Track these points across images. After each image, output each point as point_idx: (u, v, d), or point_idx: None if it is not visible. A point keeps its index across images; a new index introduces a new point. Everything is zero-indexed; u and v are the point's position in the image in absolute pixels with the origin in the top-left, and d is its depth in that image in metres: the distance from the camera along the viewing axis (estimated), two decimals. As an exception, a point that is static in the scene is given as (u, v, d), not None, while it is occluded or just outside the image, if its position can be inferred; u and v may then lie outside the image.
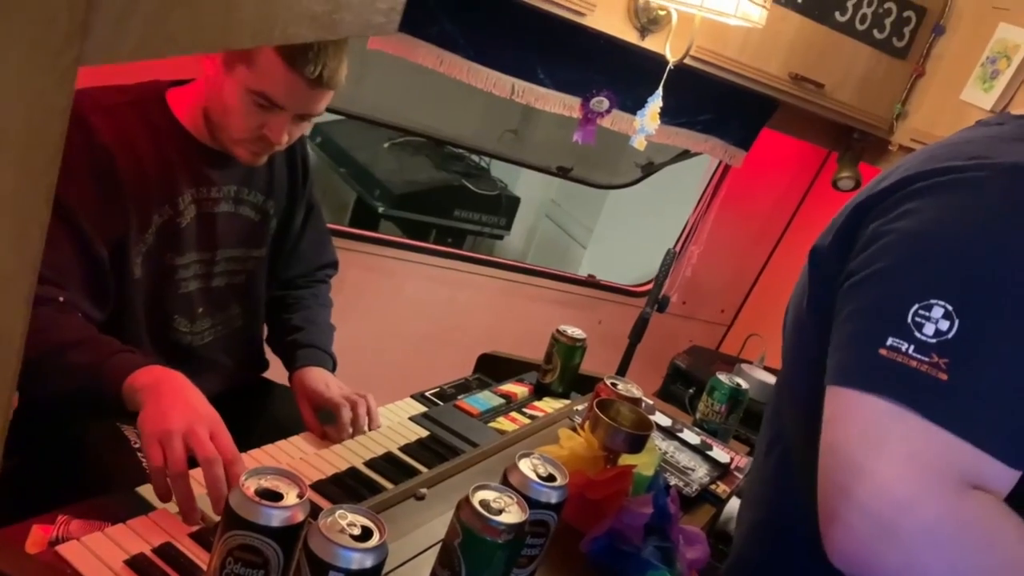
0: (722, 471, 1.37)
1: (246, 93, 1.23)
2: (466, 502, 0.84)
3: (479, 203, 4.49)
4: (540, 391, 1.66)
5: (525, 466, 0.94)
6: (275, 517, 0.77)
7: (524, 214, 4.87)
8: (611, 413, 1.10)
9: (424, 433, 1.38)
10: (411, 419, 1.43)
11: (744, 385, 1.54)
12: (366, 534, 0.77)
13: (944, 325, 0.65)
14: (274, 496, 0.80)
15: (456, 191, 4.40)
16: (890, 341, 0.67)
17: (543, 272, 2.71)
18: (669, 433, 1.43)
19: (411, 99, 3.19)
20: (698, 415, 1.57)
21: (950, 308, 0.65)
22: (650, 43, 1.86)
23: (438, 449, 1.34)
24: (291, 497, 0.80)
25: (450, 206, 4.43)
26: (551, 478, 0.94)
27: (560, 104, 2.09)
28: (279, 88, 1.23)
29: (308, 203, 1.60)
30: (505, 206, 4.63)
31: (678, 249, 2.66)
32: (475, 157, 4.70)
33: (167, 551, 0.93)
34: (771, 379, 2.20)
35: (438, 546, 0.90)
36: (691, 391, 2.29)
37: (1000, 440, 0.64)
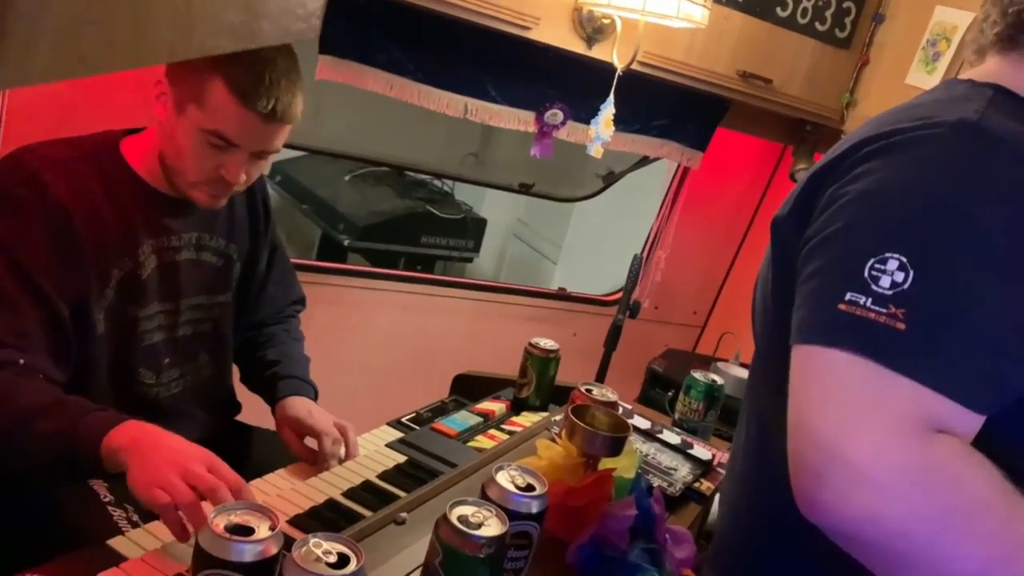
0: (704, 468, 1.36)
1: (199, 134, 1.21)
2: (444, 519, 0.82)
3: (445, 227, 4.50)
4: (517, 406, 1.64)
5: (503, 478, 0.93)
6: (247, 552, 0.75)
7: (492, 236, 4.89)
8: (587, 418, 1.09)
9: (402, 459, 1.36)
10: (388, 446, 1.40)
11: (720, 381, 1.54)
12: (343, 561, 0.75)
13: (899, 277, 0.67)
14: (245, 531, 0.78)
15: (421, 217, 4.40)
16: (848, 296, 0.68)
17: (514, 289, 2.71)
18: (648, 435, 1.42)
19: (370, 129, 3.19)
20: (676, 415, 1.56)
21: (904, 260, 0.67)
22: (597, 52, 1.87)
23: (416, 473, 1.32)
24: (263, 530, 0.78)
25: (416, 233, 4.44)
26: (530, 488, 0.93)
27: (515, 120, 2.10)
28: (232, 126, 1.21)
29: (271, 244, 1.59)
30: (472, 228, 4.64)
31: (645, 255, 2.67)
32: (438, 182, 4.71)
33: (143, 600, 0.90)
34: (743, 375, 2.20)
35: (419, 571, 0.88)
36: (669, 394, 2.28)
37: (960, 385, 0.65)
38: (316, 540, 0.77)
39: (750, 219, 2.76)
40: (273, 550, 0.77)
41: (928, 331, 0.66)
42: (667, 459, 1.36)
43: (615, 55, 1.83)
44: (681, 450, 1.39)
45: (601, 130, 1.77)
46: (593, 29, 1.84)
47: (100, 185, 1.23)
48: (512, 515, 0.87)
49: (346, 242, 4.10)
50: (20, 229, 1.15)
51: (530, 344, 1.64)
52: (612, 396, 1.26)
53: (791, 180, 2.34)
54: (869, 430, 0.64)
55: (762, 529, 0.96)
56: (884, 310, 0.66)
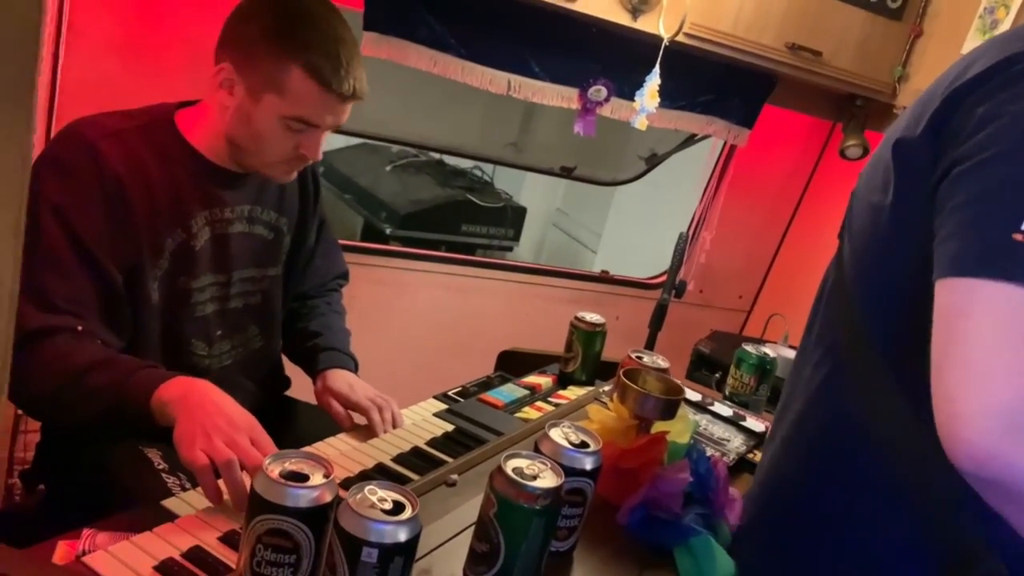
0: (758, 440, 1.34)
1: (280, 120, 1.23)
2: (499, 471, 0.81)
3: (485, 216, 4.49)
4: (563, 380, 1.63)
5: (556, 435, 0.91)
6: (302, 498, 0.75)
7: (531, 226, 4.87)
8: (639, 382, 1.07)
9: (450, 427, 1.36)
10: (435, 415, 1.40)
11: (771, 354, 1.50)
12: (398, 508, 0.75)
13: None
14: (300, 478, 0.77)
15: (461, 206, 4.40)
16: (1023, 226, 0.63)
17: (555, 271, 2.69)
18: (700, 407, 1.40)
19: (410, 114, 3.19)
20: (728, 390, 1.54)
21: None
22: (643, 24, 1.84)
23: (465, 441, 1.31)
24: (317, 478, 0.77)
25: (456, 221, 4.44)
26: (584, 445, 0.91)
27: (558, 96, 2.08)
28: (317, 110, 1.23)
29: (320, 217, 1.59)
30: (511, 217, 4.63)
31: (690, 235, 2.63)
32: (477, 172, 4.71)
33: (196, 555, 0.90)
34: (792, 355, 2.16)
35: (472, 528, 0.87)
36: (717, 375, 2.25)
37: None
38: (371, 487, 0.76)
39: (798, 199, 2.70)
40: (328, 497, 0.76)
41: None
42: (719, 430, 1.33)
43: (661, 25, 1.81)
44: (733, 422, 1.36)
45: (646, 101, 1.74)
46: (639, 0, 1.81)
47: (154, 156, 1.24)
48: (566, 471, 0.85)
49: (388, 230, 4.12)
50: (76, 197, 1.17)
51: (576, 318, 1.62)
52: (663, 363, 1.24)
53: (841, 157, 2.28)
54: None
55: (813, 468, 0.92)
56: None
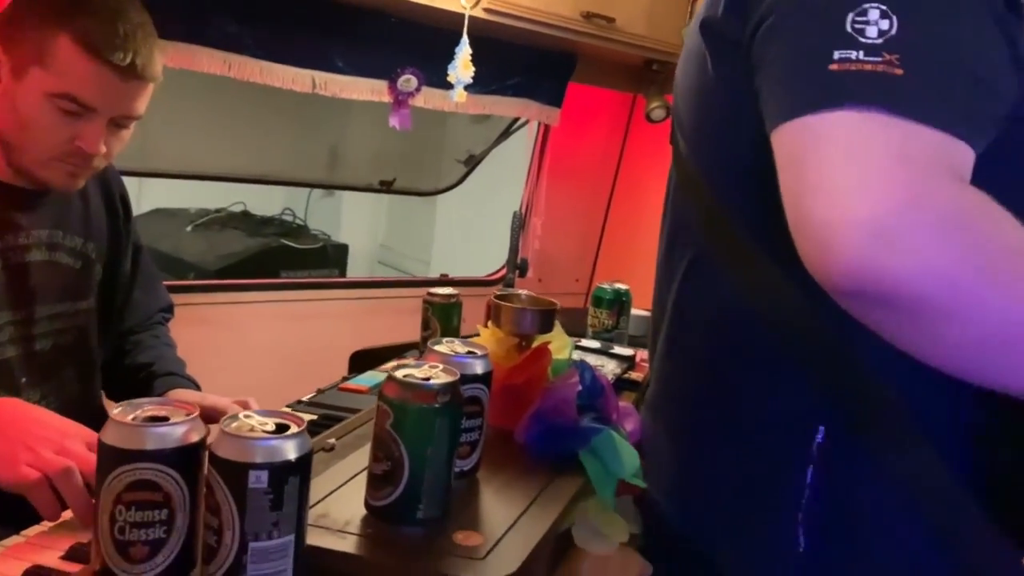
0: (630, 363, 1.34)
1: (46, 100, 1.07)
2: (389, 380, 0.74)
3: (305, 259, 4.32)
4: (427, 358, 1.56)
5: (442, 348, 0.85)
6: (167, 438, 0.64)
7: (356, 265, 4.75)
8: (512, 301, 1.03)
9: (313, 416, 1.25)
10: (292, 407, 1.29)
11: (625, 287, 1.52)
12: (281, 428, 0.65)
13: (884, 24, 0.63)
14: (159, 420, 0.66)
15: (276, 252, 4.21)
16: (837, 55, 0.64)
17: (394, 282, 2.62)
18: (569, 347, 1.38)
19: (212, 148, 3.01)
20: (590, 331, 1.54)
21: (884, 7, 0.64)
22: (442, 1, 1.84)
23: (332, 425, 1.21)
24: (179, 416, 0.66)
25: (275, 269, 4.24)
26: (471, 353, 0.85)
27: (368, 90, 2.03)
28: (87, 85, 1.07)
29: (134, 243, 1.44)
30: (333, 256, 4.49)
31: (523, 218, 2.65)
32: (288, 215, 4.56)
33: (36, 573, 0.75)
34: (644, 314, 2.21)
35: (363, 474, 0.79)
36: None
37: (972, 125, 0.63)
38: (247, 413, 0.66)
39: (615, 173, 2.80)
40: (195, 436, 0.65)
41: (929, 71, 0.63)
42: (592, 360, 1.31)
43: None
44: (603, 351, 1.36)
45: (460, 73, 1.73)
46: (434, -23, 1.81)
47: None
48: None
49: (202, 290, 3.87)
50: None
51: (428, 293, 1.58)
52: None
53: (648, 121, 2.39)
54: (900, 181, 0.59)
55: (698, 361, 0.92)
56: (880, 59, 0.62)
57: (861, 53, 0.63)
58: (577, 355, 1.32)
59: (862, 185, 0.60)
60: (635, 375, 1.30)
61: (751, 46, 0.74)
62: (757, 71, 0.73)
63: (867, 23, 0.64)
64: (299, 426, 0.65)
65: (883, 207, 0.59)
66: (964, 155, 0.62)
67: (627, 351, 1.37)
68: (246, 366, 2.29)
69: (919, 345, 0.63)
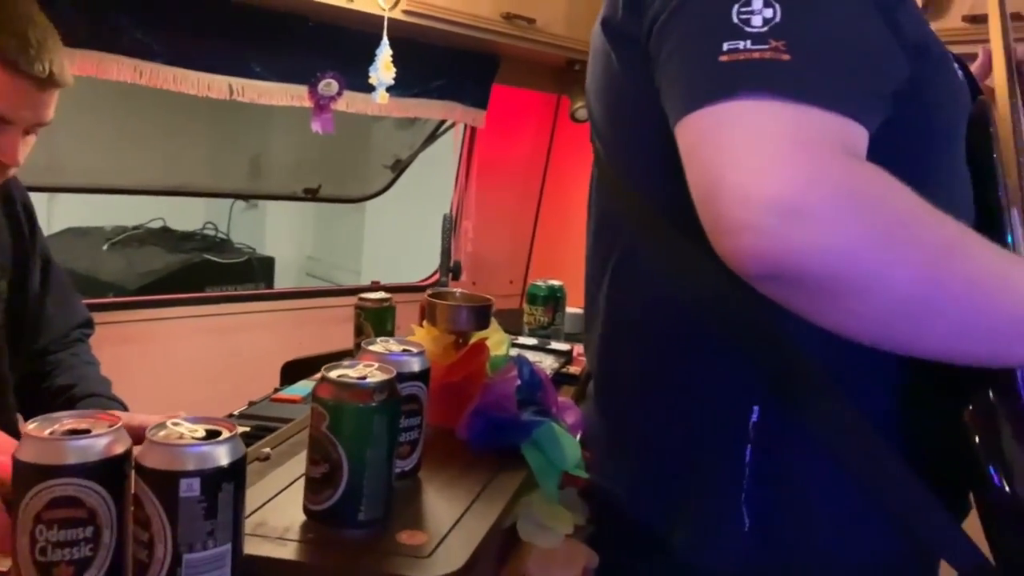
0: (567, 357, 1.34)
1: None
2: (323, 381, 0.72)
3: (229, 273, 4.21)
4: (361, 365, 1.53)
5: (376, 347, 0.83)
6: (89, 450, 0.60)
7: (284, 278, 4.65)
8: (446, 299, 1.02)
9: (246, 428, 1.21)
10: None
11: (559, 283, 1.53)
12: (212, 434, 0.63)
13: (768, 12, 0.65)
14: (79, 433, 0.62)
15: (199, 268, 4.09)
16: (726, 46, 0.65)
17: (324, 291, 2.57)
18: (505, 345, 1.37)
19: (124, 161, 2.90)
20: (526, 328, 1.53)
21: None
22: (360, 4, 1.82)
23: (267, 435, 1.17)
24: (101, 427, 0.63)
25: (198, 285, 4.13)
26: (407, 351, 0.84)
27: (287, 95, 1.99)
28: (5, 99, 1.05)
29: (43, 256, 1.37)
30: (259, 269, 4.38)
31: (454, 221, 2.64)
32: (210, 230, 4.44)
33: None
34: (579, 311, 2.23)
35: (301, 481, 0.77)
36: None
37: (860, 103, 0.65)
38: (175, 421, 0.63)
39: (543, 173, 2.82)
40: (120, 448, 0.62)
41: (815, 55, 0.64)
42: (529, 356, 1.31)
43: (380, 1, 1.79)
44: (540, 347, 1.36)
45: (382, 74, 1.71)
46: (352, -21, 1.79)
47: None
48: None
49: (122, 309, 3.73)
50: None
51: (360, 298, 1.54)
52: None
53: (572, 120, 2.41)
54: (797, 163, 0.60)
55: (635, 355, 0.93)
56: (766, 46, 0.64)
57: (748, 42, 0.65)
58: (515, 352, 1.32)
59: (761, 171, 0.61)
60: (573, 369, 1.30)
61: (648, 43, 0.75)
62: (656, 68, 0.74)
63: (752, 12, 0.65)
64: (231, 431, 0.63)
65: (782, 191, 0.60)
66: (856, 133, 0.64)
67: (564, 346, 1.37)
68: (174, 383, 2.21)
69: (834, 321, 0.64)
